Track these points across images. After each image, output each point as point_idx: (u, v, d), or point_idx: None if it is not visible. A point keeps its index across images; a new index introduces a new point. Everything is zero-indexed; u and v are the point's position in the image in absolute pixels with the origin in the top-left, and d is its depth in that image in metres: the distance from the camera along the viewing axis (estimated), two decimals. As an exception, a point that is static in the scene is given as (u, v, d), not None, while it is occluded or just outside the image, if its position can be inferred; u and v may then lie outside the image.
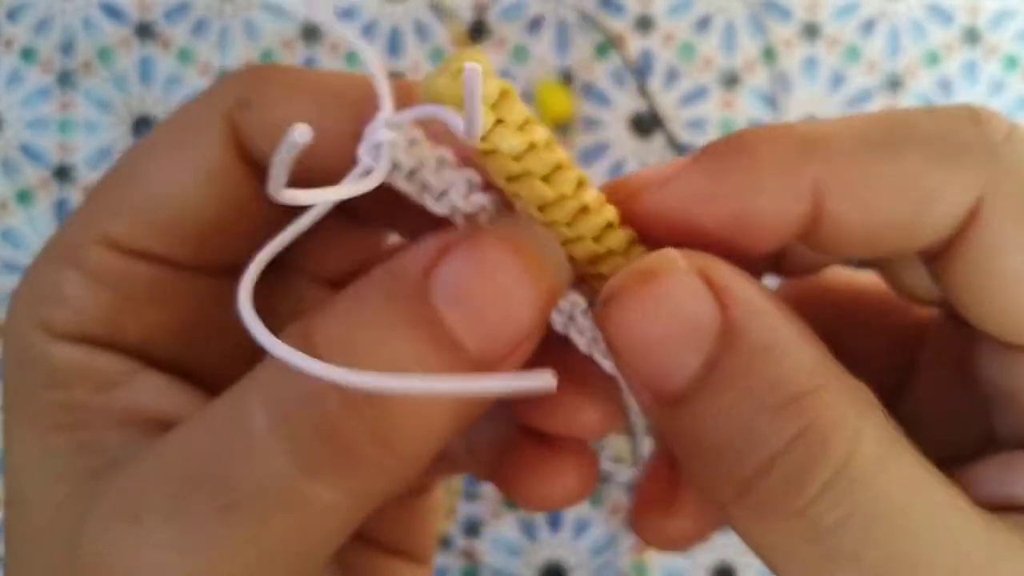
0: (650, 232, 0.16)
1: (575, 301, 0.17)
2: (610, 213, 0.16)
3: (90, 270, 0.15)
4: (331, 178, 0.14)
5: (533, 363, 0.17)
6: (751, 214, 0.15)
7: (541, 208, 0.15)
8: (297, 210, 0.15)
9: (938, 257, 0.15)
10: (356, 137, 0.15)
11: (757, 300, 0.14)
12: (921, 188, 0.14)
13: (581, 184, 0.15)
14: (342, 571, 0.20)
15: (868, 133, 0.15)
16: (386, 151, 0.14)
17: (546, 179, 0.15)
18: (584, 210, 0.15)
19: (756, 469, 0.13)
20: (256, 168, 0.16)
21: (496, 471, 0.19)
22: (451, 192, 0.15)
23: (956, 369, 0.18)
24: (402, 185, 0.15)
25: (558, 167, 0.15)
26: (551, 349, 0.17)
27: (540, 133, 0.14)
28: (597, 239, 0.16)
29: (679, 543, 0.19)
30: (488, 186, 0.15)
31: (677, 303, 0.14)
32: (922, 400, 0.19)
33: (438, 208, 0.15)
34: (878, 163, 0.14)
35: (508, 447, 0.19)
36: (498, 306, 0.14)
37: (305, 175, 0.14)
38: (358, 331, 0.14)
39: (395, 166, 0.15)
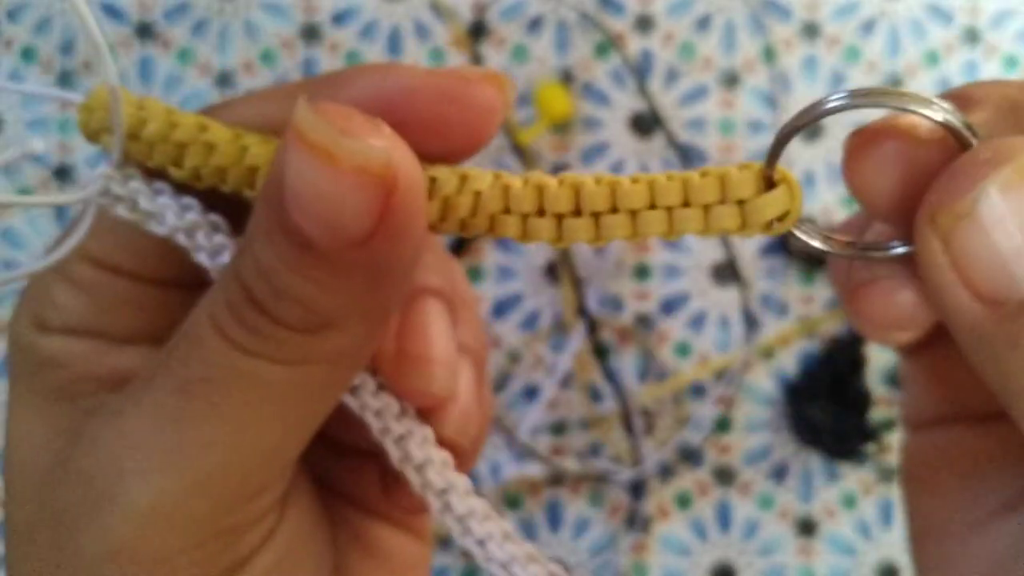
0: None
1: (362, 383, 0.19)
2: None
3: (74, 281, 0.19)
4: None
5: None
6: None
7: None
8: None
9: None
10: None
11: None
12: None
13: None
14: (349, 539, 0.22)
15: None
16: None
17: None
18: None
19: None
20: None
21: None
22: (167, 214, 0.18)
23: None
24: (123, 214, 0.18)
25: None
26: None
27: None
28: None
29: (902, 321, 0.18)
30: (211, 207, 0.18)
31: None
32: None
33: (161, 231, 0.18)
34: None
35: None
36: (310, 191, 0.15)
37: None
38: (252, 243, 0.16)
39: (115, 199, 0.17)
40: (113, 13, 0.45)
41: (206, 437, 0.16)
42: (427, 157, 0.17)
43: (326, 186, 0.15)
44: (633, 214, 0.16)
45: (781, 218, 0.16)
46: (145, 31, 0.45)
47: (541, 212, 0.17)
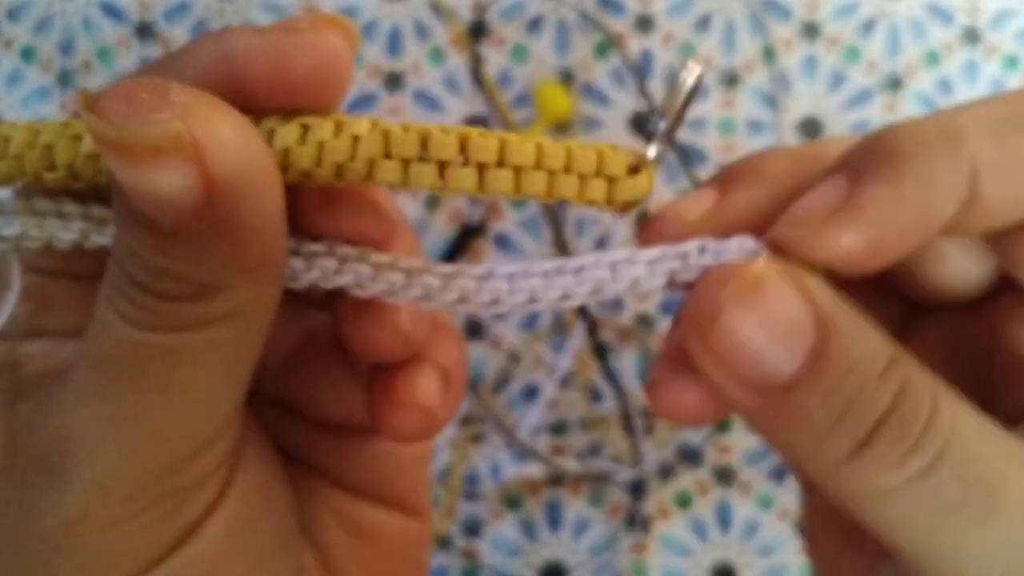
0: (815, 258, 0.17)
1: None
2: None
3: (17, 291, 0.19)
4: None
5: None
6: (930, 216, 0.17)
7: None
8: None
9: None
10: None
11: (828, 293, 0.17)
12: None
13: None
14: (333, 519, 0.22)
15: (1002, 113, 0.17)
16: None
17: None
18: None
19: (871, 428, 0.16)
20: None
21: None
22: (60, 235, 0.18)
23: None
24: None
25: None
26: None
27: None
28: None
29: (693, 415, 0.20)
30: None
31: (782, 305, 0.16)
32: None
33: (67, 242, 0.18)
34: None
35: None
36: (129, 179, 0.15)
37: None
38: (118, 230, 0.16)
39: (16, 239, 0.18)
40: (113, 13, 0.45)
41: (130, 409, 0.17)
42: (291, 110, 0.17)
43: (136, 172, 0.15)
44: (518, 170, 0.17)
45: (632, 202, 0.18)
46: (145, 31, 0.45)
47: (423, 160, 0.16)
